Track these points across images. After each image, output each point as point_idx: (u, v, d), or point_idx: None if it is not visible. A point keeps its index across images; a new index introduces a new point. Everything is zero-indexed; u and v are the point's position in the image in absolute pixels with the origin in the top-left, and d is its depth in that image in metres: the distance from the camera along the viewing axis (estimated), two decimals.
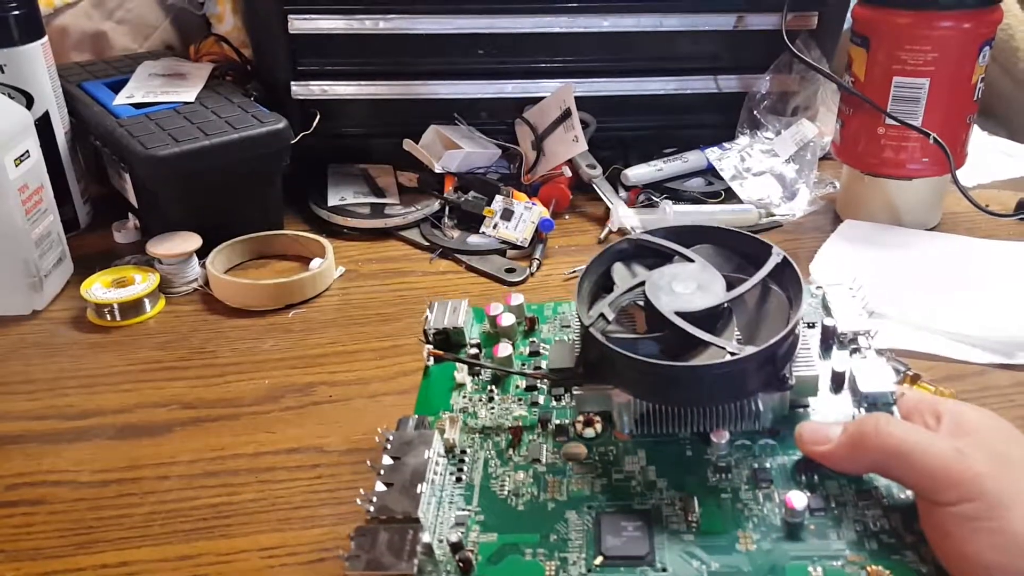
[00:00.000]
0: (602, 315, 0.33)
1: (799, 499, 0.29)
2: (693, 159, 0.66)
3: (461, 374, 0.38)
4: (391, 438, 0.32)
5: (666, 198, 0.63)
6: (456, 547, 0.29)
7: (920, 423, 0.30)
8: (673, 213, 0.60)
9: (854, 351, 0.35)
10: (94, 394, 0.44)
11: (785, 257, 0.34)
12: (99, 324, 0.50)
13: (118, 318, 0.50)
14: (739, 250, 0.35)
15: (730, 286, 0.33)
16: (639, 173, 0.64)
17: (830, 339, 0.35)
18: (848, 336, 0.35)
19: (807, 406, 0.33)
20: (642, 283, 0.34)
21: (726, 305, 0.33)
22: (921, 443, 0.28)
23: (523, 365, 0.38)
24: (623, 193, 0.65)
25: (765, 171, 0.64)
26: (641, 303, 0.34)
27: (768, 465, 0.32)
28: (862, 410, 0.33)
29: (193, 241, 0.53)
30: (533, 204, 0.60)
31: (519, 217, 0.59)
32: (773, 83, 0.67)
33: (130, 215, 0.60)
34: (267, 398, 0.44)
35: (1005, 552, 0.26)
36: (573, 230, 0.62)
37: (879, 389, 0.32)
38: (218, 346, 0.48)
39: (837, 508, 0.30)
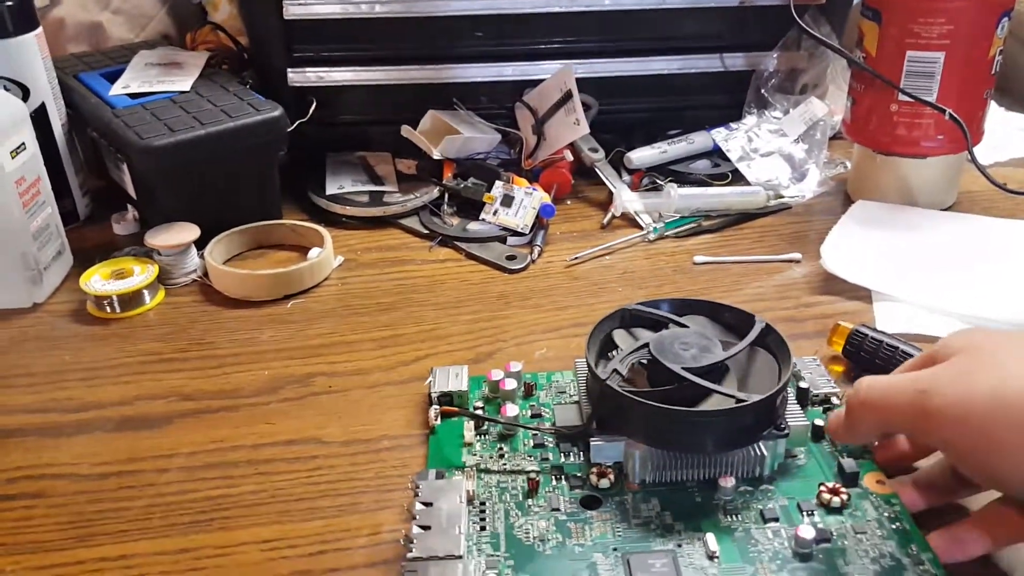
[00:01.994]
0: (616, 371, 0.36)
1: (807, 531, 0.32)
2: (699, 140, 0.65)
3: (469, 433, 0.39)
4: (421, 485, 0.34)
5: (671, 181, 0.61)
6: None
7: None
8: (678, 196, 0.59)
9: (826, 409, 0.40)
10: (94, 387, 0.44)
11: (767, 324, 0.38)
12: (99, 316, 0.50)
13: (117, 310, 0.50)
14: (724, 320, 0.40)
15: (723, 349, 0.37)
16: (642, 156, 0.63)
17: (804, 400, 0.40)
18: (820, 396, 0.40)
19: (796, 456, 0.37)
20: (645, 345, 0.37)
21: (726, 363, 0.37)
22: (886, 393, 0.33)
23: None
24: (626, 177, 0.64)
25: (773, 152, 0.63)
26: (643, 363, 0.37)
27: (772, 505, 0.35)
28: (844, 456, 0.37)
29: (191, 232, 0.53)
30: (534, 190, 0.59)
31: (520, 203, 0.58)
32: (781, 60, 0.65)
33: (129, 207, 0.60)
34: (266, 389, 0.43)
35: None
36: (575, 216, 0.61)
37: None
38: (217, 337, 0.48)
39: (839, 540, 0.33)
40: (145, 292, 0.51)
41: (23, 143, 0.50)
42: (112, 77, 0.61)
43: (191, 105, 0.56)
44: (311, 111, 0.59)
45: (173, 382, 0.44)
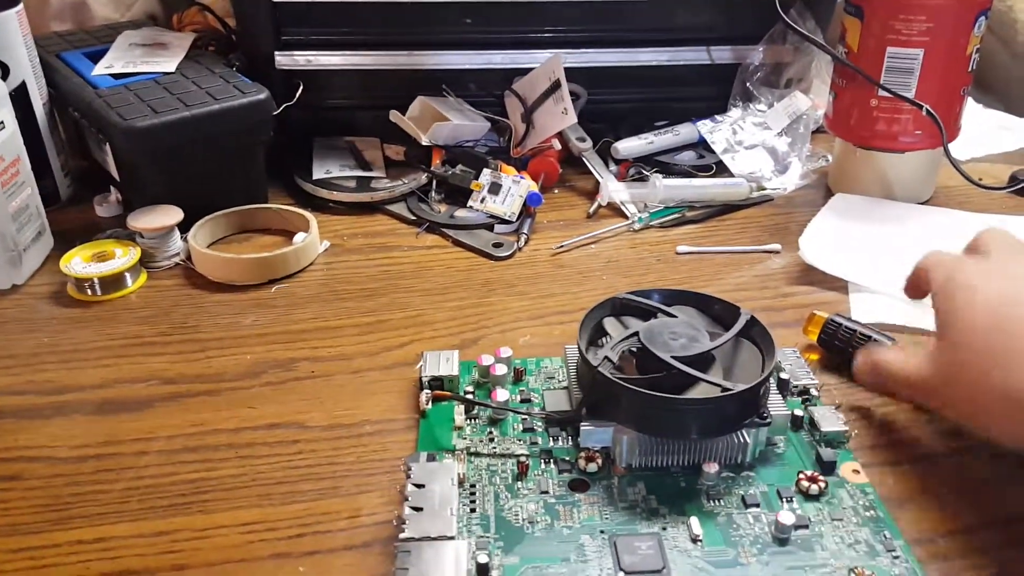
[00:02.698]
0: (607, 358, 0.37)
1: (787, 516, 0.33)
2: (685, 132, 0.65)
3: (460, 417, 0.39)
4: (413, 467, 0.35)
5: (656, 171, 0.62)
6: (483, 568, 0.31)
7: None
8: (663, 187, 0.59)
9: (805, 400, 0.40)
10: (73, 369, 0.44)
11: (752, 316, 0.39)
12: (79, 299, 0.50)
13: (99, 293, 0.50)
14: (711, 311, 0.41)
15: (710, 339, 0.38)
16: (629, 146, 0.63)
17: (784, 391, 0.40)
18: (799, 387, 0.41)
19: (776, 445, 0.38)
20: (635, 333, 0.38)
21: (712, 352, 0.37)
22: (894, 373, 0.38)
23: None
24: (613, 167, 0.64)
25: (757, 144, 0.64)
26: (633, 351, 0.38)
27: (753, 491, 0.35)
28: (822, 446, 0.38)
29: (174, 214, 0.53)
30: (521, 178, 0.59)
31: (507, 191, 0.58)
32: (767, 54, 0.65)
33: (112, 188, 0.59)
34: (248, 374, 0.43)
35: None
36: (562, 204, 0.61)
37: (835, 428, 0.38)
38: (200, 321, 0.48)
39: (816, 526, 0.34)
40: (127, 275, 0.50)
41: (1, 122, 0.50)
42: (95, 57, 0.60)
43: (176, 87, 0.56)
44: (298, 95, 0.59)
45: (154, 366, 0.44)
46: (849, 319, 0.43)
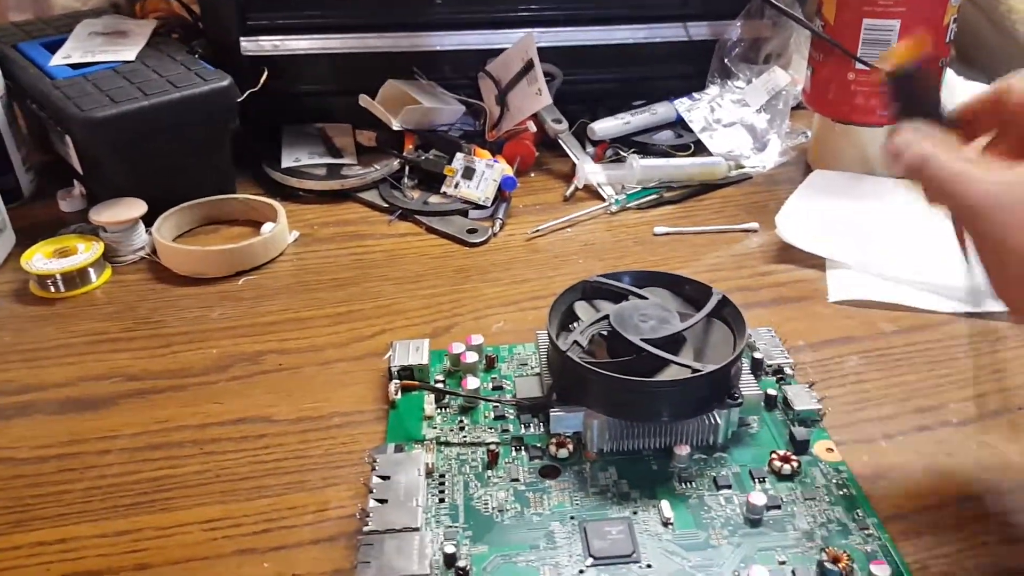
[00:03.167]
0: (576, 342, 0.36)
1: (759, 497, 0.32)
2: (662, 111, 0.64)
3: (430, 407, 0.38)
4: (378, 459, 0.34)
5: (634, 152, 0.61)
6: (451, 558, 0.31)
7: None
8: (640, 167, 0.58)
9: (779, 379, 0.40)
10: (35, 368, 0.43)
11: (724, 296, 0.38)
12: (42, 296, 0.49)
13: (62, 289, 0.49)
14: (683, 292, 0.40)
15: (680, 320, 0.37)
16: (606, 127, 0.62)
17: (758, 370, 0.40)
18: (774, 367, 0.40)
19: (750, 425, 0.37)
20: (606, 316, 0.37)
21: (682, 334, 0.37)
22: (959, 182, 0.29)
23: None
24: (590, 148, 0.63)
25: (735, 122, 0.63)
26: (603, 334, 0.37)
27: (725, 473, 0.35)
28: (796, 425, 0.37)
29: (138, 207, 0.51)
30: (495, 162, 0.58)
31: (481, 175, 0.57)
32: (744, 30, 0.64)
33: (75, 182, 0.58)
34: (215, 368, 0.42)
35: None
36: (539, 188, 0.60)
37: (808, 407, 0.37)
38: (165, 316, 0.47)
39: (788, 505, 0.33)
40: (90, 270, 0.49)
41: None
42: (54, 47, 0.59)
43: (135, 75, 0.54)
44: (262, 81, 0.57)
45: (118, 362, 0.43)
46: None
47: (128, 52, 0.57)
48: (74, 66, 0.56)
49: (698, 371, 0.34)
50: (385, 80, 0.62)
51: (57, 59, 0.57)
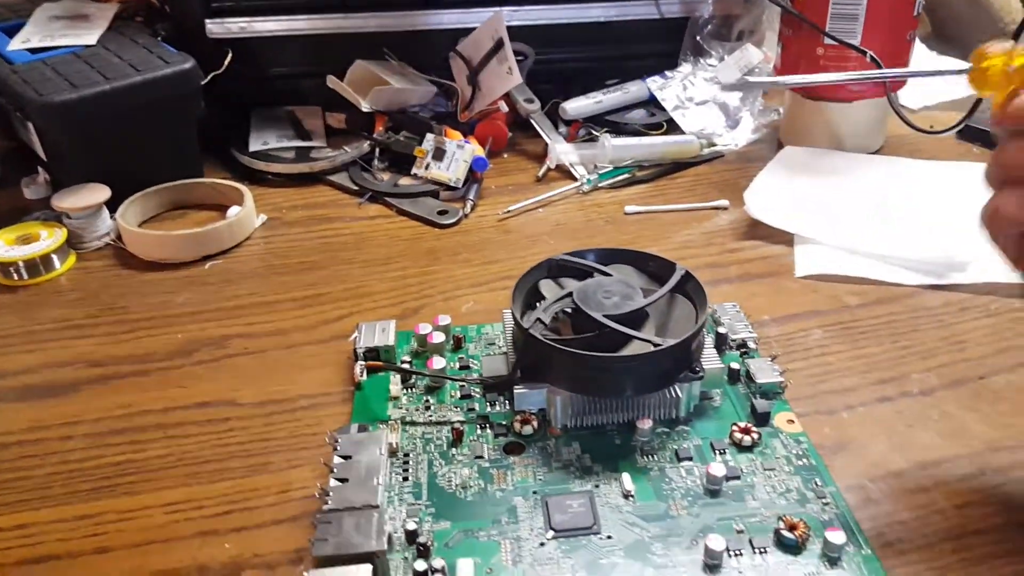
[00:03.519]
0: (539, 320, 0.36)
1: (718, 468, 0.33)
2: (634, 90, 0.64)
3: (396, 387, 0.38)
4: (340, 439, 0.33)
5: (607, 132, 0.60)
6: (412, 534, 0.31)
7: None
8: (612, 147, 0.58)
9: (743, 353, 0.40)
10: None
11: (687, 271, 0.38)
12: (5, 284, 0.48)
13: (24, 277, 0.48)
14: (648, 269, 0.40)
15: (644, 296, 0.37)
16: (577, 106, 0.62)
17: (722, 344, 0.40)
18: (738, 341, 0.40)
19: (712, 399, 0.38)
20: (569, 294, 0.37)
21: (645, 310, 0.37)
22: None
23: None
24: (563, 128, 0.63)
25: (708, 100, 0.62)
26: (568, 311, 0.37)
27: (686, 445, 0.35)
28: (758, 397, 0.37)
29: (101, 193, 0.51)
30: (466, 142, 0.58)
31: (451, 156, 0.57)
32: (716, 6, 0.64)
33: (40, 169, 0.57)
34: (179, 353, 0.42)
35: None
36: (511, 169, 0.60)
37: (770, 380, 0.37)
38: (130, 302, 0.46)
39: (748, 476, 0.34)
40: (54, 257, 0.49)
41: None
42: (12, 32, 0.58)
43: (96, 59, 0.53)
44: (226, 63, 0.57)
45: (81, 348, 0.43)
46: None
47: (89, 36, 0.56)
48: (33, 51, 0.55)
49: (659, 346, 0.34)
50: (354, 61, 0.61)
51: (15, 44, 0.56)
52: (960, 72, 0.30)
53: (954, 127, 0.56)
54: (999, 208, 0.29)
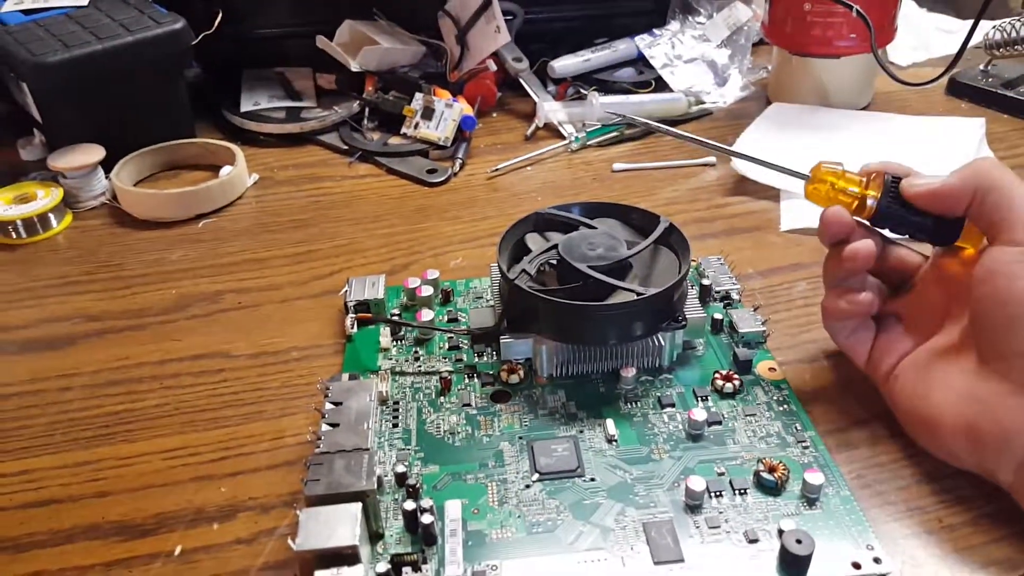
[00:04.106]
0: (524, 271, 0.37)
1: (700, 413, 0.34)
2: (623, 48, 0.64)
3: (386, 339, 0.39)
4: (331, 387, 0.34)
5: (595, 90, 0.61)
6: (402, 477, 0.32)
7: None
8: (600, 105, 0.58)
9: (727, 304, 0.41)
10: None
11: (671, 223, 0.39)
12: (4, 242, 0.49)
13: (23, 235, 0.49)
14: (632, 222, 0.41)
15: (628, 248, 0.38)
16: (565, 65, 0.62)
17: (706, 296, 0.41)
18: (722, 293, 0.41)
19: (695, 348, 0.38)
20: (555, 246, 0.38)
21: (629, 261, 0.37)
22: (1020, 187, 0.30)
23: None
24: (552, 87, 0.63)
25: (696, 58, 0.62)
26: (554, 263, 0.38)
27: (669, 393, 0.36)
28: (740, 346, 0.38)
29: (96, 152, 0.51)
30: (454, 101, 0.58)
31: (440, 115, 0.57)
32: None
33: (35, 130, 0.58)
34: (174, 307, 0.43)
35: None
36: (500, 128, 0.60)
37: (752, 330, 0.38)
38: (125, 259, 0.47)
39: (729, 421, 0.35)
40: (51, 216, 0.49)
41: None
42: None
43: (88, 20, 0.53)
44: (216, 23, 0.56)
45: (78, 304, 0.43)
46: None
47: None
48: (26, 12, 0.55)
49: (641, 295, 0.35)
50: (344, 21, 0.61)
51: (8, 5, 0.56)
52: (801, 177, 0.35)
53: (935, 79, 0.56)
54: (823, 307, 0.35)
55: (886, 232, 0.35)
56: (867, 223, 0.34)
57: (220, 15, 0.57)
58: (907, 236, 0.34)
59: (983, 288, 0.30)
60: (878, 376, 0.34)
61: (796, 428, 0.34)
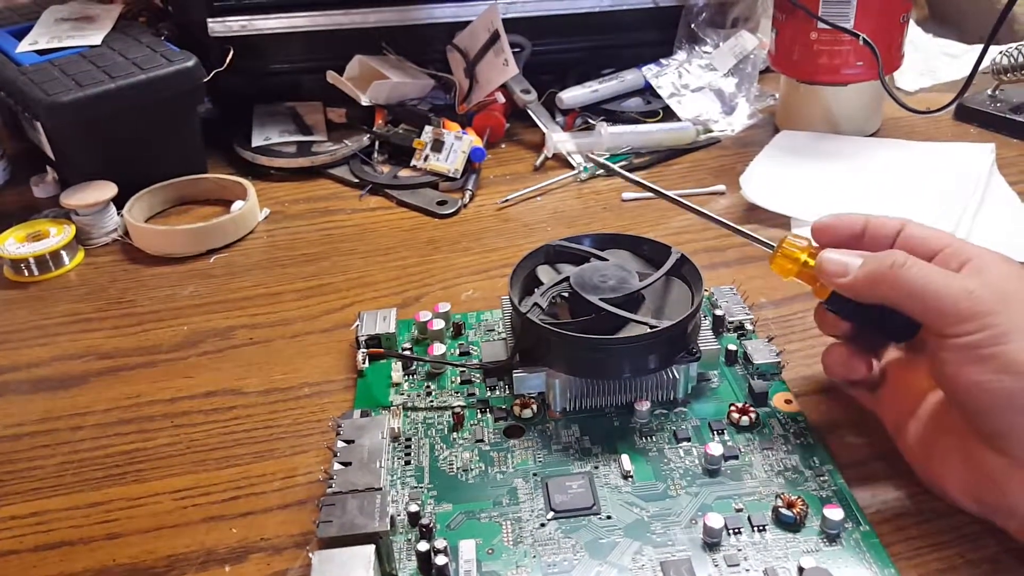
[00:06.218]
0: (536, 304, 0.36)
1: (716, 448, 0.33)
2: (630, 78, 0.64)
3: (397, 374, 0.39)
4: (343, 424, 0.34)
5: (603, 120, 0.61)
6: (415, 516, 0.31)
7: (943, 266, 0.31)
8: (608, 134, 0.58)
9: (740, 335, 0.41)
10: (9, 350, 0.43)
11: (683, 255, 0.39)
12: (16, 280, 0.49)
13: (35, 273, 0.49)
14: (644, 253, 0.40)
15: (640, 279, 0.38)
16: (574, 96, 0.62)
17: (720, 327, 0.41)
18: (735, 323, 0.41)
19: (710, 380, 0.38)
20: (567, 279, 0.38)
21: (641, 293, 0.37)
22: (933, 284, 0.30)
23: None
24: (560, 118, 0.63)
25: (703, 87, 0.63)
26: (566, 296, 0.38)
27: (684, 426, 0.36)
28: (755, 378, 0.38)
29: (108, 190, 0.52)
30: (464, 133, 0.58)
31: (450, 147, 0.58)
32: None
33: (48, 168, 0.58)
34: (185, 344, 0.43)
35: (998, 373, 0.28)
36: (509, 159, 0.61)
37: (767, 360, 0.38)
38: (137, 295, 0.47)
39: (746, 456, 0.34)
40: (63, 253, 0.50)
41: None
42: (21, 35, 0.59)
43: (101, 59, 0.54)
44: (228, 60, 0.57)
45: (90, 341, 0.44)
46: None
47: (94, 36, 0.57)
48: (41, 52, 0.56)
49: (655, 327, 0.35)
50: (354, 56, 0.62)
51: (24, 46, 0.57)
52: (767, 247, 0.36)
53: (944, 107, 0.56)
54: (823, 362, 0.36)
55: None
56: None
57: (232, 53, 0.58)
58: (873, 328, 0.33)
59: (944, 385, 0.30)
60: (886, 425, 0.34)
61: (814, 461, 0.33)
